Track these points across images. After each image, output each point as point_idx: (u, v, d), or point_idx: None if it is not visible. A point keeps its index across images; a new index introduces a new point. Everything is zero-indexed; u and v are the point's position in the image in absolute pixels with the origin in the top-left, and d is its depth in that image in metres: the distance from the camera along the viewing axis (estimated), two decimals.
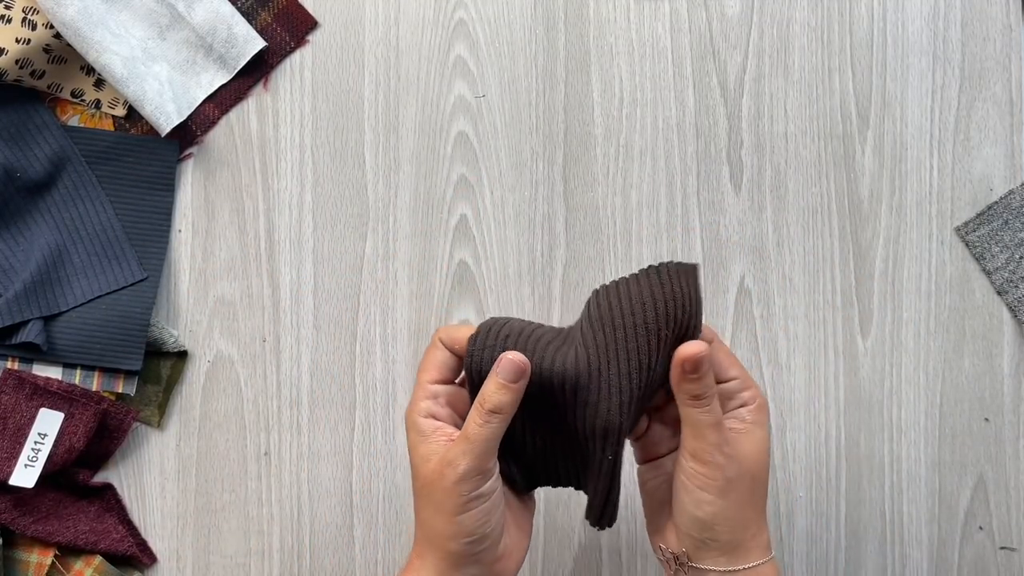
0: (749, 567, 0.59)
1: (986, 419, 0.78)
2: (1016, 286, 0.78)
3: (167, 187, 0.78)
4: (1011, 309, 0.78)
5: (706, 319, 0.77)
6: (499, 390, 0.57)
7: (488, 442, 0.57)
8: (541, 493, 0.77)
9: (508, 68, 0.79)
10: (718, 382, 0.59)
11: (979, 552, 0.78)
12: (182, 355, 0.78)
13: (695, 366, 0.57)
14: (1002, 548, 0.78)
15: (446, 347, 0.60)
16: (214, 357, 0.78)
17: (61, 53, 0.76)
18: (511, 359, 0.57)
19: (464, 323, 0.78)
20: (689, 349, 0.57)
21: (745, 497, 0.58)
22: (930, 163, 0.78)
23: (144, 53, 0.77)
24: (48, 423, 0.74)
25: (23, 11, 0.74)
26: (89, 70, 0.77)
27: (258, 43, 0.78)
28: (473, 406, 0.58)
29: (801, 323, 0.78)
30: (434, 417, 0.59)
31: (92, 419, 0.75)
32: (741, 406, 0.60)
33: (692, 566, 0.60)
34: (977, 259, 0.78)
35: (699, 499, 0.58)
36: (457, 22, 0.79)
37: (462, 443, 0.57)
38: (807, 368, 0.78)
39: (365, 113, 0.79)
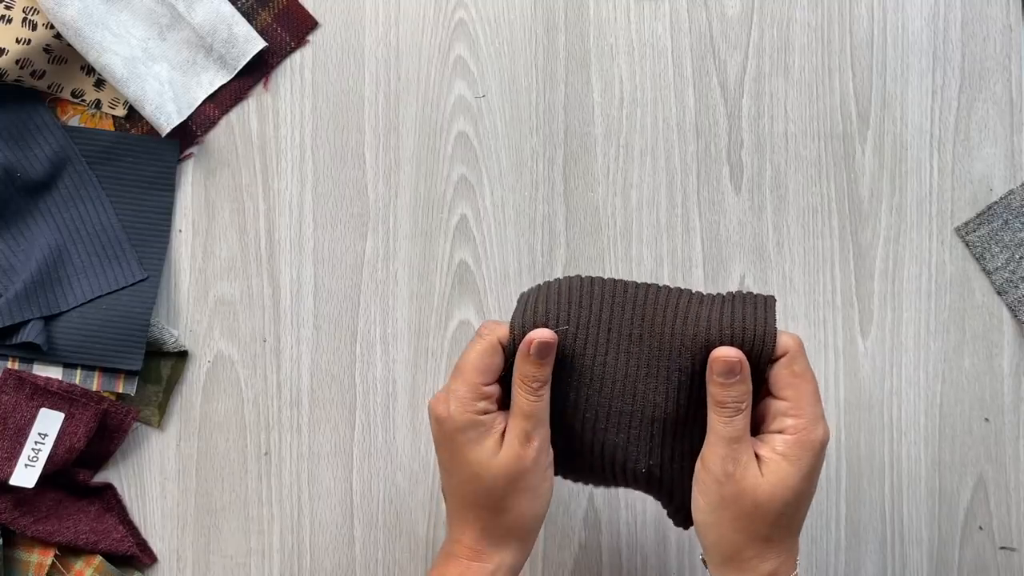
0: None
1: (986, 419, 0.78)
2: (1016, 286, 0.78)
3: (167, 187, 0.78)
4: (1011, 309, 0.78)
5: None
6: (536, 368, 0.58)
7: (545, 412, 0.58)
8: None
9: (508, 68, 0.79)
10: (772, 397, 0.58)
11: (979, 552, 0.78)
12: (182, 355, 0.78)
13: (723, 368, 0.56)
14: (1002, 548, 0.78)
15: (503, 346, 0.59)
16: (214, 357, 0.78)
17: (61, 53, 0.76)
18: (539, 340, 0.58)
19: (465, 323, 0.78)
20: (721, 352, 0.57)
21: (739, 522, 0.57)
22: (930, 163, 0.78)
23: (144, 53, 0.77)
24: (48, 423, 0.74)
25: (24, 11, 0.74)
26: (89, 70, 0.77)
27: (258, 43, 0.78)
28: (517, 385, 0.58)
29: (801, 323, 0.78)
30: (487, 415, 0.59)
31: (92, 419, 0.75)
32: (779, 432, 0.57)
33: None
34: (977, 259, 0.78)
35: (696, 502, 0.58)
36: (457, 22, 0.79)
37: (524, 421, 0.58)
38: None
39: (365, 113, 0.79)
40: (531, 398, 0.58)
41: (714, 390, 0.57)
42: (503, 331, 0.59)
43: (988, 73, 0.78)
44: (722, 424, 0.57)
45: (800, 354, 0.57)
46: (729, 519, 0.57)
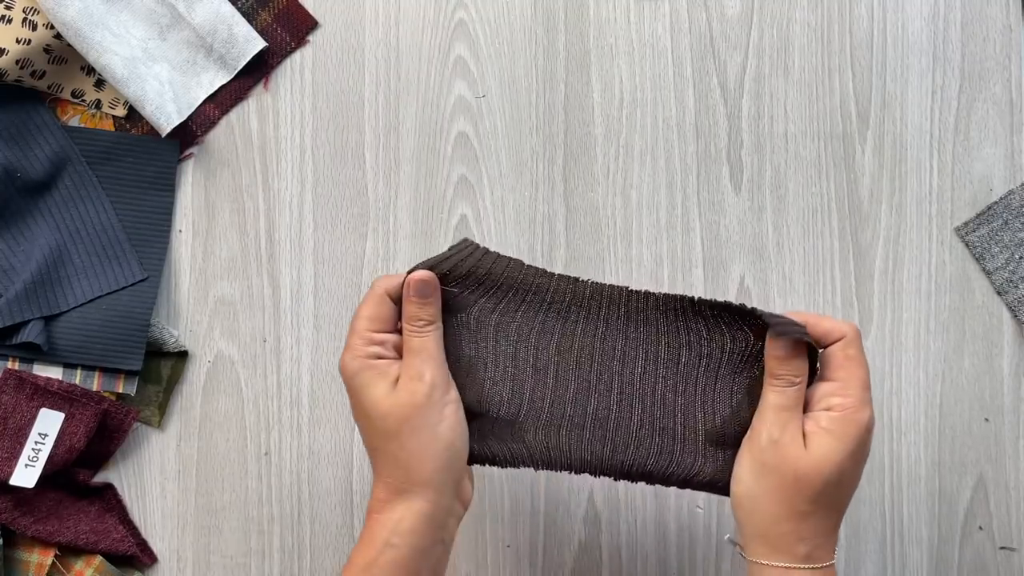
0: (771, 565, 0.57)
1: (986, 419, 0.78)
2: (1016, 286, 0.78)
3: (167, 187, 0.78)
4: (1011, 309, 0.78)
5: None
6: (418, 308, 0.59)
7: (436, 348, 0.60)
8: (541, 493, 0.77)
9: (508, 68, 0.79)
10: (823, 380, 0.59)
11: (979, 552, 0.78)
12: (182, 355, 0.78)
13: (779, 346, 0.58)
14: (1002, 548, 0.78)
15: (391, 299, 0.61)
16: (214, 357, 0.78)
17: (61, 53, 0.76)
18: (417, 279, 0.59)
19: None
20: (776, 342, 0.58)
21: (779, 493, 0.57)
22: (930, 163, 0.78)
23: (144, 53, 0.77)
24: (48, 423, 0.74)
25: (24, 11, 0.75)
26: (89, 70, 0.77)
27: (258, 43, 0.78)
28: (404, 326, 0.60)
29: None
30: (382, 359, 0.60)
31: (92, 419, 0.75)
32: (826, 410, 0.58)
33: (741, 551, 0.60)
34: (977, 259, 0.78)
35: (737, 473, 0.59)
36: (457, 22, 0.79)
37: (414, 357, 0.59)
38: None
39: (365, 113, 0.79)
40: (416, 335, 0.59)
41: (770, 363, 0.58)
42: (393, 283, 0.61)
43: (988, 73, 0.78)
44: (774, 393, 0.58)
45: (856, 340, 0.59)
46: (768, 489, 0.57)
